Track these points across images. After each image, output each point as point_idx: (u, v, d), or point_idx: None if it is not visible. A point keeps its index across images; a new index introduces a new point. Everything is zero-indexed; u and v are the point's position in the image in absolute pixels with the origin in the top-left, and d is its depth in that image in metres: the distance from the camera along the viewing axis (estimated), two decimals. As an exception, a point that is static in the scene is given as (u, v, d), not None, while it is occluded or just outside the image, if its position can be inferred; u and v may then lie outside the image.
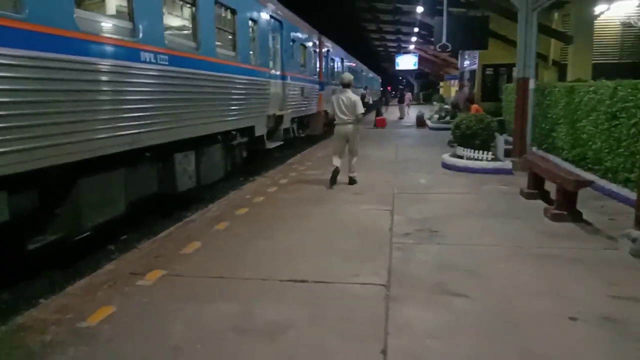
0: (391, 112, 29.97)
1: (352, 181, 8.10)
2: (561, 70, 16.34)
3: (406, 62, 39.42)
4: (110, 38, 4.79)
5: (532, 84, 9.49)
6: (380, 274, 4.14)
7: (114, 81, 4.79)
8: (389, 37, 38.51)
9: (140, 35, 5.18)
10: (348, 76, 8.29)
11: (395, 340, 3.04)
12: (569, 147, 9.03)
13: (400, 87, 41.68)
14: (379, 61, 63.05)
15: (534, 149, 10.37)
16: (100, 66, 4.61)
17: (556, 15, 16.65)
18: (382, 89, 56.25)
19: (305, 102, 13.96)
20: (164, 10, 5.77)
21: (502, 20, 15.85)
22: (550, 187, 6.57)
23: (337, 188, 7.84)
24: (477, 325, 3.25)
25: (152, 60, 5.37)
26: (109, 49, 4.73)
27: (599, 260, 4.50)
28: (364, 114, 8.29)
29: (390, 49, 47.51)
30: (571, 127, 8.95)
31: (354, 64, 27.44)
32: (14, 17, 3.60)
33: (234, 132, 8.28)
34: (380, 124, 20.65)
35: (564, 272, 4.21)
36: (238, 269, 4.32)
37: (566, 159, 9.11)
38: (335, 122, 8.07)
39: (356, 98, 7.95)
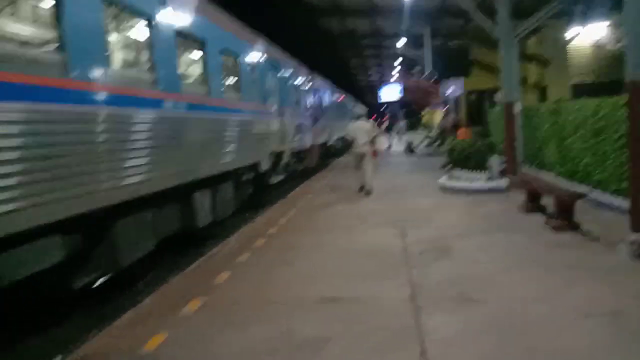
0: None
1: (367, 191, 10.13)
2: (541, 91, 17.13)
3: (390, 92, 40.41)
4: (138, 90, 5.21)
5: (518, 107, 10.07)
6: (403, 290, 4.47)
7: (147, 130, 5.22)
8: (373, 68, 39.70)
9: (162, 85, 5.62)
10: (360, 111, 11.94)
11: (431, 345, 3.36)
12: (560, 163, 9.54)
13: (387, 116, 42.92)
14: (364, 92, 64.43)
15: (526, 167, 10.88)
16: (133, 116, 5.02)
17: (533, 40, 17.54)
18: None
19: (302, 137, 14.46)
20: (180, 60, 6.24)
21: (483, 48, 16.71)
22: (545, 201, 7.00)
23: (344, 216, 8.23)
24: (499, 326, 3.59)
25: (173, 108, 5.79)
26: (137, 99, 5.15)
27: (601, 264, 4.88)
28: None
29: (375, 80, 48.77)
30: (559, 145, 9.49)
31: (342, 98, 28.23)
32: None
33: (242, 169, 8.67)
34: (373, 153, 21.19)
35: (571, 276, 4.58)
36: (270, 293, 4.63)
37: (558, 174, 9.61)
38: (353, 145, 10.54)
39: (369, 125, 10.71)
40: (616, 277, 4.45)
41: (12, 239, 3.51)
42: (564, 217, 6.10)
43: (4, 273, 3.53)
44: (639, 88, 4.89)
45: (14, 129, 3.51)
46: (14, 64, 3.56)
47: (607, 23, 16.48)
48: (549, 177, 9.52)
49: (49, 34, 4.06)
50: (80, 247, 4.47)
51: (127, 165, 4.86)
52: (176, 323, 4.06)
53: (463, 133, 14.31)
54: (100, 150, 4.46)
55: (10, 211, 3.42)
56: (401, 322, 3.79)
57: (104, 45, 4.65)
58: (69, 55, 4.08)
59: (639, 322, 3.51)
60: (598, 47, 17.78)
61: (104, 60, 4.64)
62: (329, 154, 22.57)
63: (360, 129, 10.22)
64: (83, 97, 4.30)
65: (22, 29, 3.88)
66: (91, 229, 4.59)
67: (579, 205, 6.60)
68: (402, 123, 27.24)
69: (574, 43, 16.87)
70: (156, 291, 5.06)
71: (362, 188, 10.13)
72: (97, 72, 4.48)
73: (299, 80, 14.85)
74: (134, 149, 4.99)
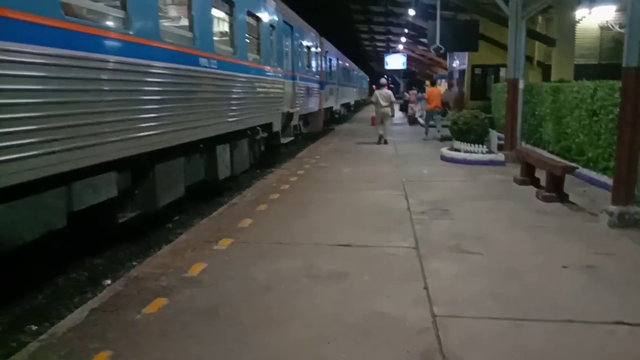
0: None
1: (384, 141, 13.77)
2: (545, 70, 17.50)
3: (395, 61, 40.53)
4: (179, 46, 5.70)
5: (521, 84, 10.55)
6: (408, 240, 5.12)
7: (187, 82, 5.75)
8: (378, 37, 39.58)
9: (198, 43, 6.10)
10: (383, 80, 14.63)
11: (432, 281, 4.02)
12: (555, 141, 10.12)
13: (391, 85, 43.25)
14: (367, 60, 64.16)
15: (523, 143, 11.44)
16: (172, 70, 5.52)
17: (540, 19, 17.82)
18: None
19: (310, 100, 14.93)
20: (213, 19, 6.70)
21: (491, 24, 16.98)
22: (540, 175, 7.61)
23: (350, 178, 8.85)
24: (490, 272, 4.25)
25: (206, 65, 6.28)
26: (179, 55, 5.65)
27: (583, 229, 5.54)
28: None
29: (379, 49, 48.58)
30: (557, 123, 10.04)
31: (347, 64, 28.47)
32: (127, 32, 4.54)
33: (257, 128, 9.20)
34: (375, 121, 21.67)
35: (554, 237, 5.24)
36: (290, 237, 5.27)
37: (552, 152, 10.21)
38: (376, 107, 14.18)
39: (390, 93, 14.16)
40: (593, 240, 5.11)
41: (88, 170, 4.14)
42: (554, 188, 6.72)
43: (85, 198, 4.15)
44: (632, 74, 5.43)
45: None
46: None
47: (614, 7, 16.82)
48: (544, 154, 10.11)
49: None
50: (129, 186, 5.07)
51: (167, 114, 5.40)
52: (212, 255, 4.71)
53: (432, 96, 15.51)
54: (146, 99, 5.01)
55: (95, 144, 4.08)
56: (407, 264, 4.45)
57: (156, 7, 5.15)
58: (129, 13, 4.58)
59: (606, 273, 4.18)
60: (604, 29, 18.14)
61: (156, 18, 5.13)
62: (334, 119, 23.01)
63: (383, 95, 13.87)
64: (146, 52, 4.82)
65: None
66: (137, 171, 5.18)
67: (570, 181, 7.23)
68: (417, 93, 27.54)
69: (581, 24, 17.21)
70: (188, 230, 5.69)
71: (380, 138, 13.65)
72: (150, 30, 4.97)
73: (309, 44, 15.20)
74: (174, 100, 5.53)
